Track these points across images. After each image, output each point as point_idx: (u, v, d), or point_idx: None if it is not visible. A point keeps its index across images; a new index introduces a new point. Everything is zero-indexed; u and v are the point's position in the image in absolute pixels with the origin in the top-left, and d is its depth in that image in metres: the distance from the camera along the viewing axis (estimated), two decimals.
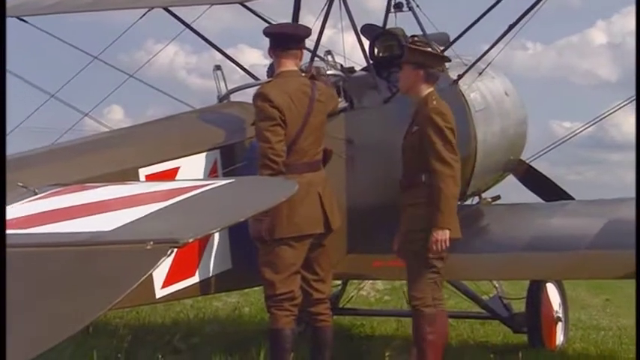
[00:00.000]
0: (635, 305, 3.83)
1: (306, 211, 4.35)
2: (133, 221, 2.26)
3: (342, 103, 5.18)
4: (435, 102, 4.58)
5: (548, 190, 6.73)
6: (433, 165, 4.44)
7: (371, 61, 5.76)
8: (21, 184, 2.89)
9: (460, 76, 6.08)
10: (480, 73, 6.25)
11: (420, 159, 4.51)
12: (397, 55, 5.64)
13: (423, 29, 6.13)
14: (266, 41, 4.63)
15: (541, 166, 6.96)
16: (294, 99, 4.43)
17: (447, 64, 6.18)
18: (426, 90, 4.63)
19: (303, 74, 4.80)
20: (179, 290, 4.25)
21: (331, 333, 4.64)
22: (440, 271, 4.54)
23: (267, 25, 5.57)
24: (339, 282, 6.46)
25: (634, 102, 5.14)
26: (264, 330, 5.23)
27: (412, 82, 4.63)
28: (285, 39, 4.57)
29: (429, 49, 4.74)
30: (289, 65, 4.54)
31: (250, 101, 4.71)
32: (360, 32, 5.78)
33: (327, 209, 4.45)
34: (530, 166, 6.82)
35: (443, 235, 4.41)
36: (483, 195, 6.50)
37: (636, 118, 4.20)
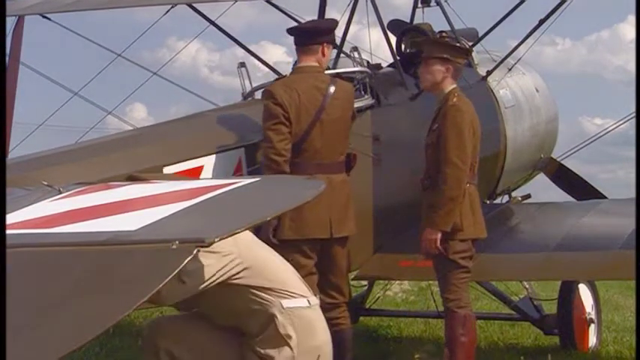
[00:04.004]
0: (635, 305, 3.73)
1: (311, 214, 4.21)
2: (158, 220, 2.22)
3: (369, 100, 5.11)
4: (455, 99, 4.48)
5: (579, 188, 6.62)
6: (441, 164, 4.37)
7: (398, 58, 5.67)
8: (46, 183, 2.85)
9: (489, 72, 5.99)
10: (510, 69, 6.15)
11: (440, 158, 4.42)
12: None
13: (451, 24, 6.05)
14: (289, 38, 4.57)
15: (572, 164, 6.86)
16: (302, 95, 4.31)
17: (476, 60, 6.12)
18: (450, 86, 4.53)
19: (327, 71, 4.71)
20: None
21: (350, 336, 4.52)
22: (470, 271, 4.45)
23: (291, 21, 5.51)
24: (365, 282, 6.39)
25: None
26: None
27: (441, 77, 4.52)
28: (303, 34, 4.50)
29: (456, 43, 4.64)
30: (308, 61, 4.44)
31: None
32: (386, 28, 5.70)
33: (334, 216, 4.30)
34: (562, 165, 6.72)
35: (433, 235, 4.34)
36: (513, 194, 6.41)
37: (636, 119, 4.10)
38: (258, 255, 3.03)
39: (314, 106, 4.32)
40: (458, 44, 4.78)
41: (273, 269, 3.02)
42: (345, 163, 4.45)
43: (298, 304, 2.99)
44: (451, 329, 4.42)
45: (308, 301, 3.03)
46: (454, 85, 4.55)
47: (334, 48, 5.15)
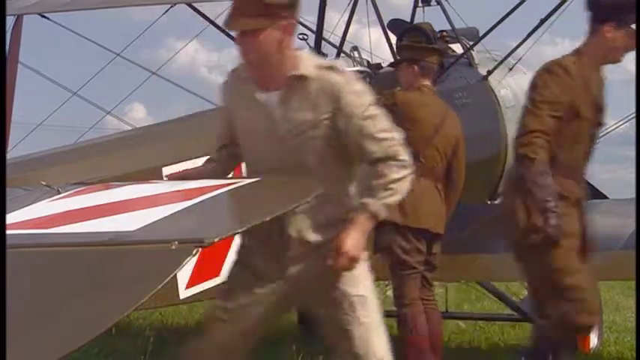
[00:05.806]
0: (635, 306, 3.71)
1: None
2: (157, 220, 2.20)
3: None
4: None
5: None
6: None
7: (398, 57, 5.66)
8: (44, 183, 2.84)
9: (490, 72, 5.98)
10: (511, 69, 6.14)
11: None
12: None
13: (451, 24, 6.04)
14: None
15: None
16: None
17: (476, 60, 6.11)
18: (423, 83, 4.66)
19: None
20: (203, 291, 4.20)
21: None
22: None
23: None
24: None
25: None
26: (290, 332, 5.14)
27: (411, 78, 4.64)
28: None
29: (416, 43, 4.70)
30: None
31: None
32: (386, 28, 5.70)
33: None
34: None
35: None
36: None
37: (636, 119, 4.09)
38: None
39: None
40: (417, 44, 4.76)
41: None
42: None
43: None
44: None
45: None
46: (427, 82, 4.66)
47: (334, 47, 5.13)
